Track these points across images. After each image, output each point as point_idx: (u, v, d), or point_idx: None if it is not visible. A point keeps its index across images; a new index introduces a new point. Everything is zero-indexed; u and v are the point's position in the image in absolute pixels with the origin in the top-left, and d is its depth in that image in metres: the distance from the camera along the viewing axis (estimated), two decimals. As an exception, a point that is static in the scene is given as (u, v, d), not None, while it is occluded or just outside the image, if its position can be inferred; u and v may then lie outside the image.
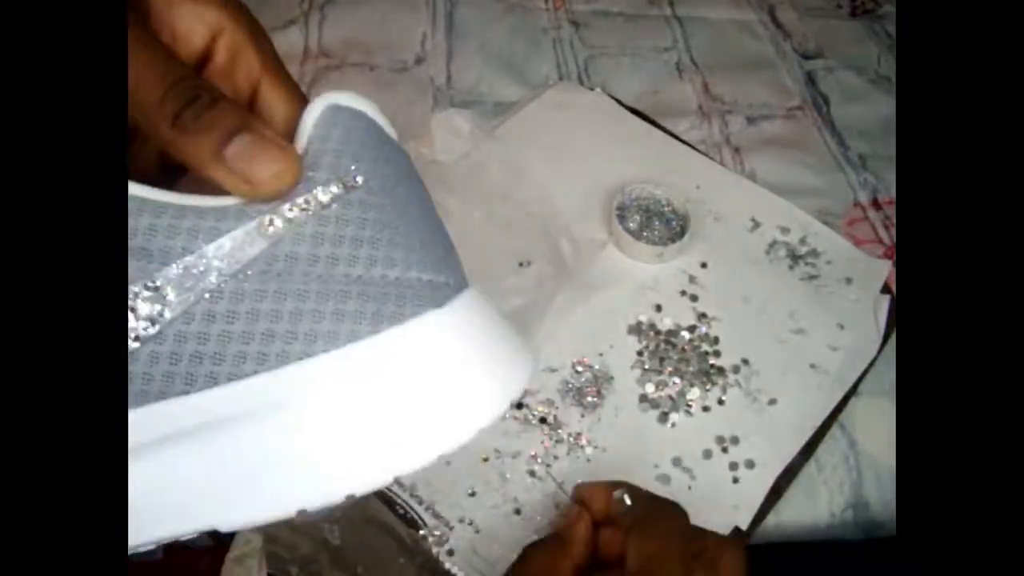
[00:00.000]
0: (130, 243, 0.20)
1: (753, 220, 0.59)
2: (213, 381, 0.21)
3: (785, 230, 0.59)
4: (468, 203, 0.53)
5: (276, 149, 0.20)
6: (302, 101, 0.24)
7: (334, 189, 0.22)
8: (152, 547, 0.21)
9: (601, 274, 0.54)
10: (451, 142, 0.56)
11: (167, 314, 0.20)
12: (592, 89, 0.67)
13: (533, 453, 0.46)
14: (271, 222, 0.21)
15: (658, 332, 0.52)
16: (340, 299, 0.22)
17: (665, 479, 0.46)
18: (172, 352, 0.20)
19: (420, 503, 0.43)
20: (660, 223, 0.57)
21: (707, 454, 0.47)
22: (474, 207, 0.53)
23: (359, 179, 0.22)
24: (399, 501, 0.42)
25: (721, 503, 0.45)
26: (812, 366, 0.52)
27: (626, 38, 0.74)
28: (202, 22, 0.23)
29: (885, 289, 0.56)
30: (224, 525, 0.21)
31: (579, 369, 0.50)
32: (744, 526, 0.44)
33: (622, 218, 0.56)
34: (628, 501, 0.37)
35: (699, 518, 0.44)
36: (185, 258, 0.20)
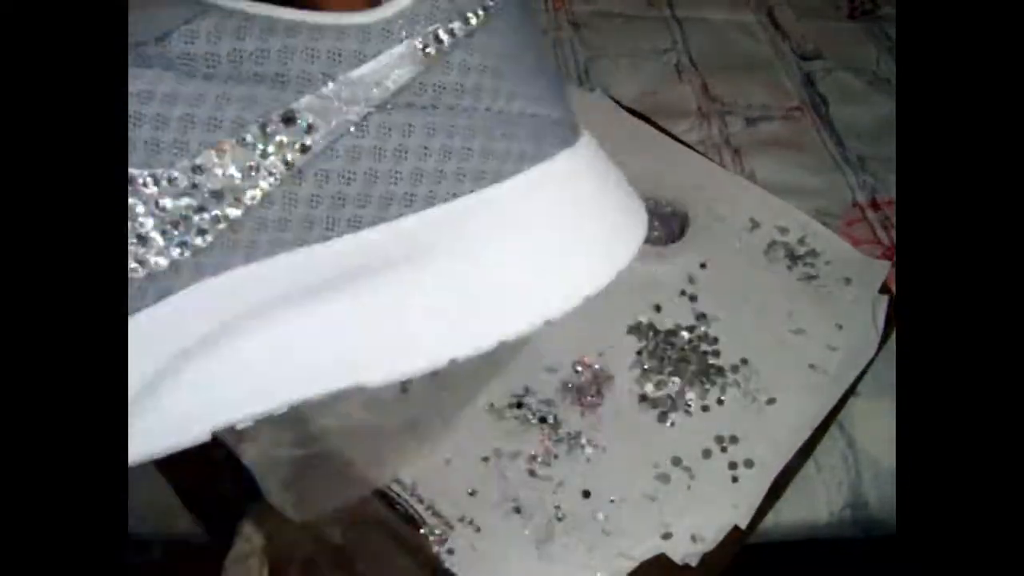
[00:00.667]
0: (260, 68, 0.18)
1: (752, 220, 0.59)
2: (357, 225, 0.19)
3: (784, 230, 0.59)
4: None
5: None
6: None
7: (478, 11, 0.19)
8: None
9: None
10: None
11: (306, 152, 0.18)
12: (592, 91, 0.67)
13: (533, 453, 0.46)
14: (423, 46, 0.19)
15: (657, 332, 0.52)
16: (486, 135, 0.20)
17: (665, 478, 0.46)
18: (312, 194, 0.18)
19: (420, 502, 0.43)
20: (660, 223, 0.57)
21: (706, 453, 0.47)
22: None
23: (494, 3, 0.20)
24: (400, 500, 0.42)
25: (720, 502, 0.45)
26: (811, 366, 0.52)
27: (625, 39, 0.74)
28: None
29: (883, 289, 0.56)
30: (371, 379, 0.19)
31: (579, 369, 0.50)
32: (743, 525, 0.45)
33: None
34: None
35: (699, 517, 0.44)
36: (327, 85, 0.18)
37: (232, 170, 0.18)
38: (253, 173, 0.18)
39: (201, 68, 0.17)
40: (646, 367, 0.50)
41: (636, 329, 0.52)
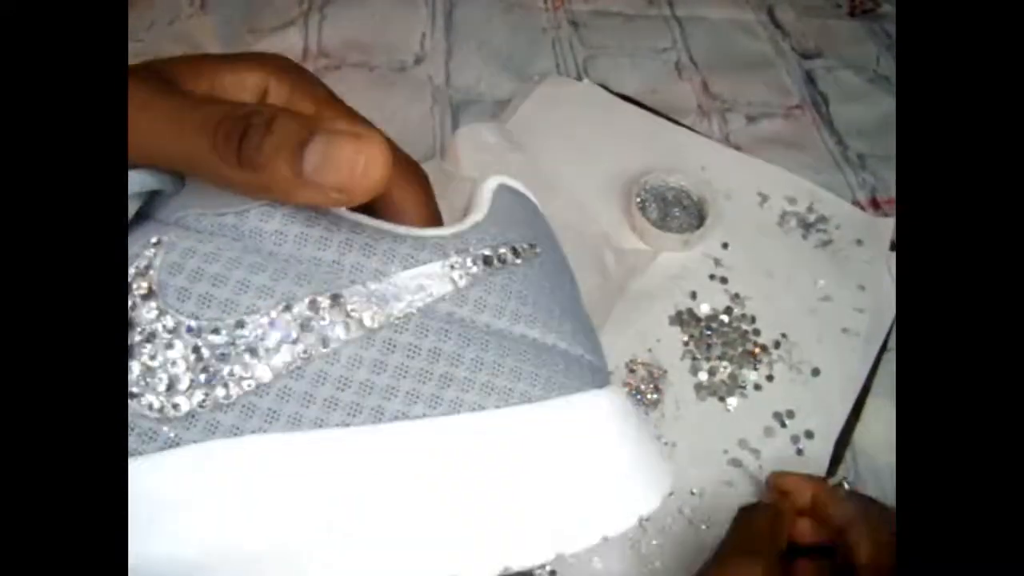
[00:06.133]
0: (320, 252, 0.19)
1: (760, 194, 0.60)
2: (378, 416, 0.19)
3: (792, 200, 0.60)
4: None
5: (353, 141, 0.18)
6: (366, 124, 0.22)
7: (525, 245, 0.22)
8: None
9: (634, 273, 0.55)
10: (477, 157, 0.55)
11: (345, 333, 0.19)
12: (580, 79, 0.67)
13: None
14: (470, 263, 0.20)
15: (698, 319, 0.53)
16: (518, 357, 0.20)
17: (736, 463, 0.47)
18: (342, 376, 0.19)
19: None
20: (679, 211, 0.58)
21: (768, 432, 0.48)
22: None
23: (541, 248, 0.22)
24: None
25: None
26: (844, 330, 0.53)
27: (625, 38, 0.74)
28: (245, 89, 0.21)
29: (893, 246, 0.58)
30: None
31: (633, 368, 0.50)
32: None
33: (643, 210, 0.57)
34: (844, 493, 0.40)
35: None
36: (377, 280, 0.19)
37: (272, 336, 0.18)
38: (291, 343, 0.18)
39: (268, 244, 0.19)
40: (695, 356, 0.51)
41: (678, 319, 0.53)
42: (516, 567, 0.19)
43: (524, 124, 0.62)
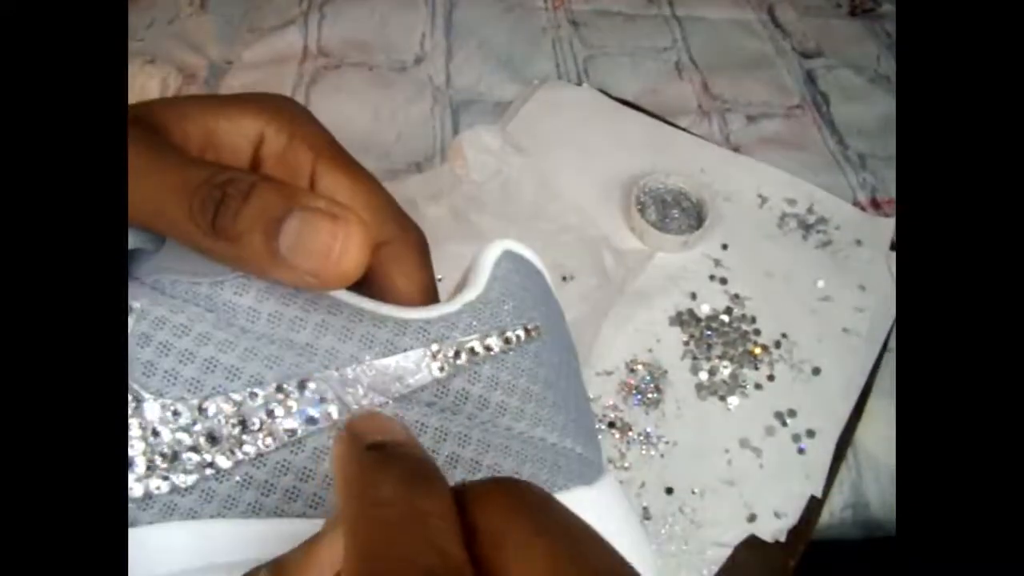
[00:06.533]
0: (294, 334, 0.18)
1: (760, 196, 0.61)
2: None
3: (792, 201, 0.61)
4: (503, 221, 0.54)
5: (330, 222, 0.17)
6: (364, 177, 0.22)
7: (519, 332, 0.20)
8: None
9: (633, 273, 0.55)
10: (482, 160, 0.56)
11: (311, 423, 0.18)
12: (579, 84, 0.67)
13: (608, 458, 0.46)
14: (454, 353, 0.19)
15: (699, 320, 0.53)
16: (499, 453, 0.19)
17: (737, 461, 0.47)
18: (305, 467, 0.18)
19: None
20: (678, 212, 0.58)
21: (770, 431, 0.49)
22: (509, 224, 0.54)
23: (540, 328, 0.21)
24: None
25: (793, 475, 0.47)
26: (844, 330, 0.54)
27: (625, 38, 0.74)
28: (241, 136, 0.21)
29: (892, 246, 0.58)
30: None
31: (633, 368, 0.50)
32: (819, 494, 0.46)
33: (642, 212, 0.57)
34: None
35: (777, 494, 0.46)
36: (351, 367, 0.18)
37: (234, 421, 0.18)
38: (254, 430, 0.18)
39: (241, 319, 0.18)
40: (696, 356, 0.51)
41: (678, 320, 0.53)
42: None
43: (524, 127, 0.62)
